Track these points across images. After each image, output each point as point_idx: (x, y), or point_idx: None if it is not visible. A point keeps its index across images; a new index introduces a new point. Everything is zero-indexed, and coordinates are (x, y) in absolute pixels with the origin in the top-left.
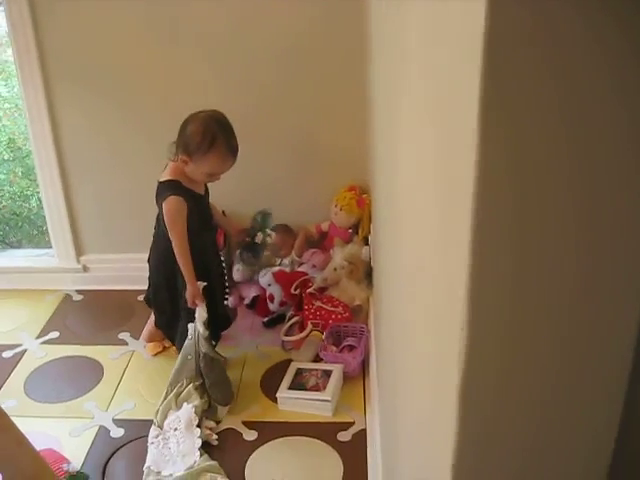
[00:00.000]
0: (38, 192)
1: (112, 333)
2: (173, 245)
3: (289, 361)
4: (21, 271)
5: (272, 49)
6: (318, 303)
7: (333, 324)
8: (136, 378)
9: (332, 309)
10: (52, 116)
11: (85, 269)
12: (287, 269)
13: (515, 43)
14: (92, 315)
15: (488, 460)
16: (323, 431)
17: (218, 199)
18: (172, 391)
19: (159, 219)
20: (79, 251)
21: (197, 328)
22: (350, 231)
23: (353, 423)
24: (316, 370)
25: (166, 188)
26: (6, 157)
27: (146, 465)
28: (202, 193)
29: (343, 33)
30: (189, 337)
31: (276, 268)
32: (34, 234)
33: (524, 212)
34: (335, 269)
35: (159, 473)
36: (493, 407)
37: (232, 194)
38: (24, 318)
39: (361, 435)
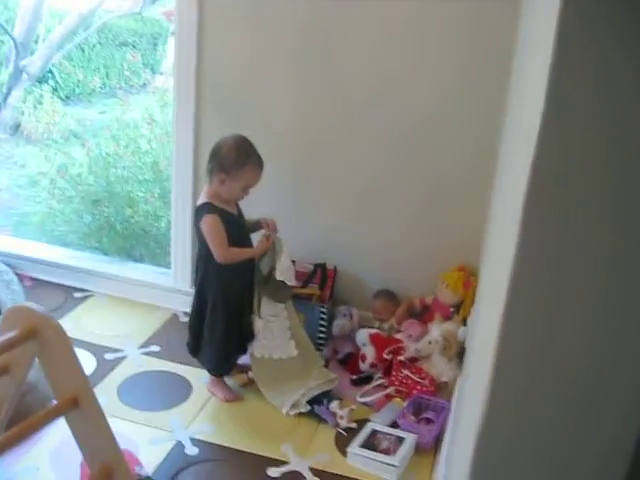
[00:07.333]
0: (169, 214)
1: None
2: (218, 258)
3: (366, 420)
4: (138, 284)
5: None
6: (406, 372)
7: (416, 395)
8: (221, 405)
9: (419, 380)
10: (197, 146)
11: None
12: (384, 334)
13: None
14: None
15: None
16: None
17: (338, 256)
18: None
19: (199, 241)
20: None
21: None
22: (452, 310)
23: None
24: (390, 435)
25: (200, 210)
26: (147, 177)
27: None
28: (235, 213)
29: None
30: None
31: (373, 330)
32: (157, 253)
33: None
34: (430, 342)
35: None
36: None
37: (347, 251)
38: (131, 327)
39: None
